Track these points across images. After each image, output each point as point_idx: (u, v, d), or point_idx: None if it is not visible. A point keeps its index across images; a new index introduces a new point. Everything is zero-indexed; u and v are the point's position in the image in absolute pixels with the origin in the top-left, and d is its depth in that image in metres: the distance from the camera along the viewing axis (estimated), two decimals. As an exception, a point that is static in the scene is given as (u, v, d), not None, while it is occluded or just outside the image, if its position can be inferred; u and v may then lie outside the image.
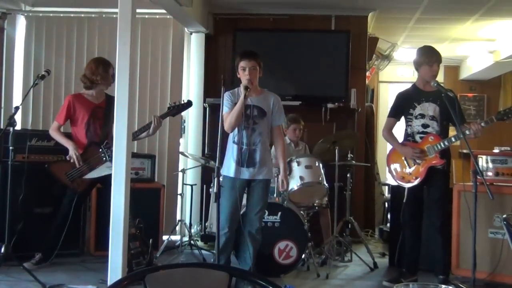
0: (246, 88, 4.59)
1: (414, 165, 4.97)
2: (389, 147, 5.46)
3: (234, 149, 4.76)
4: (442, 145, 4.85)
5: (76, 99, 5.38)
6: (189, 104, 5.44)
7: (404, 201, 5.27)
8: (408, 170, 5.01)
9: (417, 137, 5.00)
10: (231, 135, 4.78)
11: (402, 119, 5.16)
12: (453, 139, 4.85)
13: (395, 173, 5.13)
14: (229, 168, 4.76)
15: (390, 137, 5.16)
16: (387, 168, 5.25)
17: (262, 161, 4.75)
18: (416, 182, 4.96)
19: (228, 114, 4.69)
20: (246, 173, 4.72)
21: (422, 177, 4.92)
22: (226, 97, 4.76)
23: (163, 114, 5.39)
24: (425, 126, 4.97)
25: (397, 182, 5.18)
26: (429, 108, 4.96)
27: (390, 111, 5.25)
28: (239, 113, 4.63)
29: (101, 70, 5.32)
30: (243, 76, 4.69)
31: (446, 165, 4.95)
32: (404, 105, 5.09)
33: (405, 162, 5.03)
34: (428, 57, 4.98)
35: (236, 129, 4.73)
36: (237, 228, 4.88)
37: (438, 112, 4.93)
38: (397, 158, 5.11)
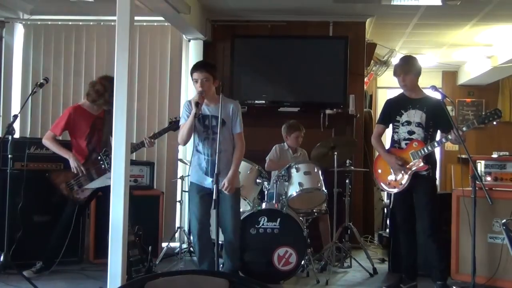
0: (196, 104, 4.57)
1: (399, 171, 5.00)
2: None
3: (199, 158, 4.78)
4: (426, 150, 4.88)
5: (76, 112, 5.34)
6: None
7: (391, 207, 5.30)
8: (393, 176, 5.04)
9: (403, 144, 5.03)
10: (194, 143, 4.79)
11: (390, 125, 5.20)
12: (436, 144, 4.88)
13: (381, 179, 5.17)
14: (195, 175, 4.81)
15: (377, 144, 5.23)
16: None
17: (227, 169, 4.73)
18: (401, 188, 4.99)
19: (183, 126, 4.73)
20: (211, 182, 4.59)
21: (407, 183, 4.94)
22: (184, 107, 4.82)
23: (162, 130, 5.46)
24: (410, 132, 5.00)
25: (383, 188, 5.24)
26: (415, 115, 4.99)
27: (379, 118, 5.33)
28: (189, 129, 4.64)
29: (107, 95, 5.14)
30: (196, 88, 4.71)
31: (431, 171, 4.98)
32: (391, 112, 5.14)
33: (390, 169, 5.05)
34: (397, 69, 5.08)
35: (198, 138, 4.75)
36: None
37: (424, 119, 4.96)
38: (383, 164, 5.15)
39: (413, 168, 4.91)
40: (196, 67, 4.78)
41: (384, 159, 5.10)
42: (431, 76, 10.07)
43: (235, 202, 4.86)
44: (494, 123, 4.68)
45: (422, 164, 4.88)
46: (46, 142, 5.35)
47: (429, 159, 4.94)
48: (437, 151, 5.40)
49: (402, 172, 4.95)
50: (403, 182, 4.96)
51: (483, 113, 4.76)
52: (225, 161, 4.72)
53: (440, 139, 4.91)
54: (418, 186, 4.96)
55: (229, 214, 4.77)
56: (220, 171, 4.56)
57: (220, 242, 4.60)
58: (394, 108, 5.13)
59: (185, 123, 4.70)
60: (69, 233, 5.25)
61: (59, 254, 5.27)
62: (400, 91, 5.22)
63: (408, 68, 5.03)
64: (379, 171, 5.19)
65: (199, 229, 4.74)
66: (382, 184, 5.18)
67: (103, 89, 5.27)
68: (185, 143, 4.82)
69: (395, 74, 5.07)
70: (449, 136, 4.73)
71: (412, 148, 4.94)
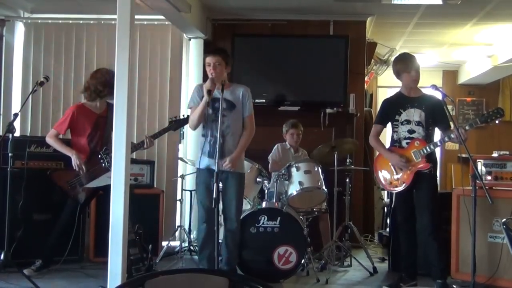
0: (208, 92, 4.63)
1: (401, 170, 5.00)
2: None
3: (202, 142, 4.86)
4: (428, 149, 4.88)
5: (79, 111, 5.31)
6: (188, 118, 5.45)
7: (393, 206, 5.31)
8: (395, 176, 5.04)
9: (404, 143, 5.03)
10: (199, 130, 4.88)
11: (389, 125, 5.19)
12: (438, 143, 4.89)
13: (382, 179, 5.18)
14: (200, 161, 4.87)
15: (377, 143, 5.22)
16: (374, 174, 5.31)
17: (232, 152, 4.80)
18: (403, 187, 5.00)
19: (194, 109, 4.83)
20: (216, 164, 4.50)
21: (409, 182, 4.95)
22: (195, 91, 4.90)
23: (162, 130, 5.46)
24: (411, 131, 5.00)
25: (385, 188, 5.24)
26: (415, 114, 5.00)
27: (377, 118, 5.32)
28: (200, 115, 4.74)
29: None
30: (208, 72, 4.79)
31: (433, 169, 4.99)
32: (390, 111, 5.14)
33: (392, 168, 5.05)
34: (405, 64, 5.06)
35: (203, 123, 4.82)
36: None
37: (424, 117, 4.97)
38: (384, 164, 5.14)
39: (417, 167, 4.91)
40: (210, 51, 4.94)
41: (386, 158, 5.09)
42: (432, 75, 10.06)
43: (240, 190, 4.92)
44: (497, 122, 4.69)
45: (425, 163, 4.88)
46: (49, 140, 5.34)
47: (430, 157, 4.94)
48: (437, 150, 5.41)
49: (405, 171, 4.95)
50: (406, 181, 4.95)
51: (486, 112, 4.76)
52: (233, 143, 4.82)
53: (442, 138, 4.91)
54: (419, 184, 4.96)
55: (233, 202, 4.84)
56: (227, 153, 4.71)
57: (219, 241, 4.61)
58: (392, 108, 5.13)
59: (196, 108, 4.78)
60: (73, 232, 5.25)
61: (58, 252, 5.27)
62: (397, 90, 5.22)
63: (413, 63, 5.03)
64: (380, 170, 5.19)
65: (206, 217, 4.78)
66: (383, 183, 5.17)
67: (87, 83, 5.32)
68: (195, 127, 4.90)
69: (408, 68, 5.00)
70: (451, 135, 4.73)
71: (414, 147, 4.94)
